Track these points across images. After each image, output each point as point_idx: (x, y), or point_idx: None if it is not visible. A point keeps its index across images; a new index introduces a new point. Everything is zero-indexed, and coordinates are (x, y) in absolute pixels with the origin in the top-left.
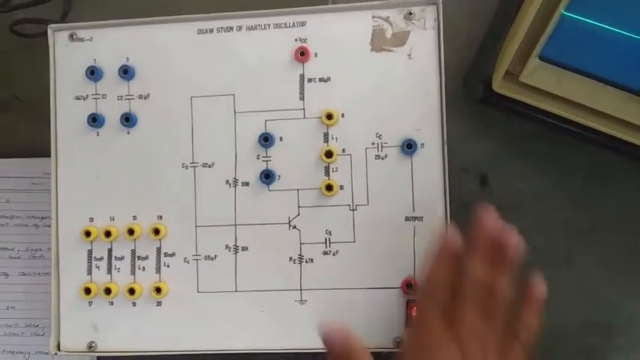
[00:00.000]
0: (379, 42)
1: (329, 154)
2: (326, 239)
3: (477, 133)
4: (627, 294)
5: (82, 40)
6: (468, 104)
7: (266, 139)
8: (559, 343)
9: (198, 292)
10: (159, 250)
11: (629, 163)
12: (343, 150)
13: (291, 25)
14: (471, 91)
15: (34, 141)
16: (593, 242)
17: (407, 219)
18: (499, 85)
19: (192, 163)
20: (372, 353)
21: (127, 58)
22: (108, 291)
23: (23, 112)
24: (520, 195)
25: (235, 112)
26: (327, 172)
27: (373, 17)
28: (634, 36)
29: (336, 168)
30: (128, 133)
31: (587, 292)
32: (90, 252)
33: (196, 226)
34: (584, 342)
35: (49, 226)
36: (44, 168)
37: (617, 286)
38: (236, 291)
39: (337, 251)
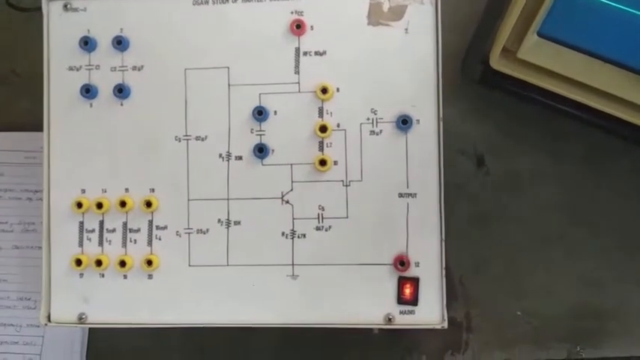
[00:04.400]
0: (376, 16)
1: (323, 128)
2: (319, 214)
3: (475, 114)
4: (621, 277)
5: (76, 10)
6: (466, 85)
7: (260, 113)
8: (548, 324)
9: (189, 265)
10: (151, 222)
11: (626, 144)
12: (338, 125)
13: None
14: (470, 71)
15: (31, 115)
16: (588, 224)
17: (400, 195)
18: (496, 62)
19: (186, 135)
20: (364, 330)
21: (121, 29)
22: (99, 263)
23: (21, 86)
24: (516, 176)
25: (229, 85)
26: (321, 147)
27: None
28: (633, 11)
29: (331, 143)
30: (121, 104)
31: (581, 275)
32: (81, 224)
33: (189, 200)
34: (577, 325)
35: (42, 199)
36: (39, 142)
37: (611, 269)
38: (227, 265)
39: (330, 227)
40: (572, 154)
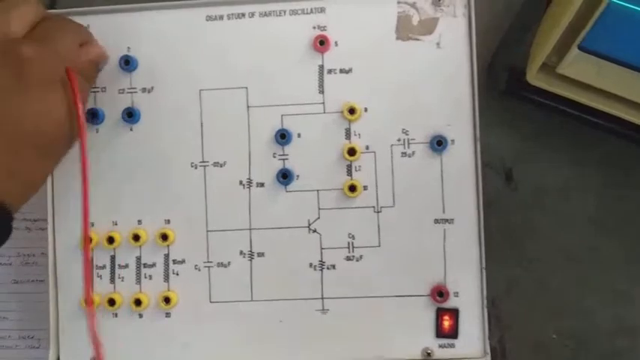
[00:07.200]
0: (405, 30)
1: (351, 151)
2: (349, 243)
3: (501, 126)
4: None
5: None
6: (491, 95)
7: (283, 136)
8: (584, 345)
9: (210, 301)
10: (167, 256)
11: None
12: (367, 147)
13: (309, 11)
14: (495, 82)
15: None
16: (620, 239)
17: (436, 221)
18: (534, 77)
19: (202, 162)
20: None
21: (129, 48)
22: (112, 302)
23: None
24: (546, 191)
25: (248, 107)
26: (349, 172)
27: (398, 3)
28: None
29: (359, 167)
30: (131, 129)
31: (614, 292)
32: (91, 260)
33: (207, 231)
34: (612, 345)
35: (42, 229)
36: None
37: None
38: (252, 300)
39: (361, 256)
40: (604, 167)
